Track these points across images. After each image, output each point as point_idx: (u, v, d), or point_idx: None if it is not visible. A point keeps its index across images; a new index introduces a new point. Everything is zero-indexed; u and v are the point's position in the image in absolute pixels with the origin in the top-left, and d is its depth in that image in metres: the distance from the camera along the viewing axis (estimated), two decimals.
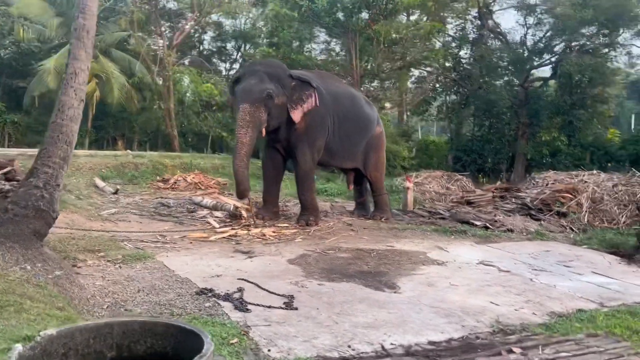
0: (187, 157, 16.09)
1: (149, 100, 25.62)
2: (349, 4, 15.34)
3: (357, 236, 7.48)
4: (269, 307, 4.16)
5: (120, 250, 5.84)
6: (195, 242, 6.68)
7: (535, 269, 5.76)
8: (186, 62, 28.94)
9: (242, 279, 4.91)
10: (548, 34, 24.79)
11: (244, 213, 7.82)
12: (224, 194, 11.22)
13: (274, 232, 7.44)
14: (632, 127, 30.03)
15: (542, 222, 8.44)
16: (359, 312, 4.14)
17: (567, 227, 8.40)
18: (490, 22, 25.64)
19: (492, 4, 24.59)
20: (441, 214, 9.14)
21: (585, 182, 9.96)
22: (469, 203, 9.89)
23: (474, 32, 25.36)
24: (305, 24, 18.84)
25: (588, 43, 22.16)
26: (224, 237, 6.99)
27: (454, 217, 8.59)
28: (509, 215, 8.71)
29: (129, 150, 20.16)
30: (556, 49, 24.00)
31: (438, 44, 21.09)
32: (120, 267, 5.21)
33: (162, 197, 10.64)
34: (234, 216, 8.00)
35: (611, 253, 6.73)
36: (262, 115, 7.26)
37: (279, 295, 4.47)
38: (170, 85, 24.52)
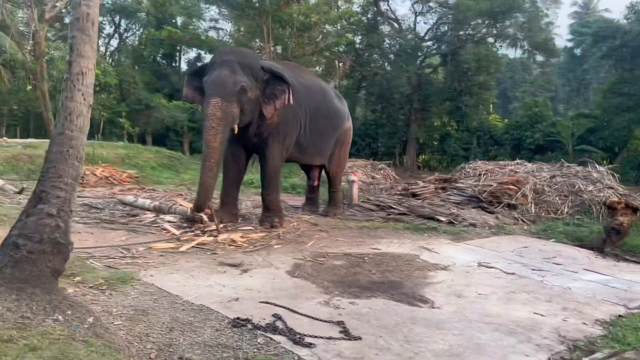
0: (87, 146, 14.45)
1: (21, 80, 22.93)
2: None
3: (331, 238, 7.12)
4: (329, 338, 3.70)
5: (95, 272, 4.96)
6: (166, 255, 5.92)
7: (534, 269, 5.81)
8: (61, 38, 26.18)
9: (266, 302, 4.38)
10: (439, 22, 25.90)
11: (205, 218, 7.09)
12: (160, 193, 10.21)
13: (241, 237, 6.84)
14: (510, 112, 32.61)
15: (497, 215, 8.67)
16: (424, 336, 3.81)
17: (519, 219, 8.71)
18: (384, 7, 26.20)
19: None
20: (393, 207, 9.04)
21: (516, 172, 10.42)
22: (414, 195, 9.91)
23: (368, 18, 25.65)
24: (212, 3, 17.84)
25: (478, 34, 23.40)
26: (193, 247, 6.30)
27: (415, 212, 8.52)
28: (462, 209, 8.83)
29: (5, 137, 17.91)
30: (446, 37, 25.07)
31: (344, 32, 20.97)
32: (111, 294, 4.40)
33: (79, 197, 9.43)
34: (190, 220, 7.25)
35: (580, 246, 7.04)
36: (235, 111, 6.54)
37: (324, 321, 4.01)
38: (44, 63, 22.13)
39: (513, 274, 5.61)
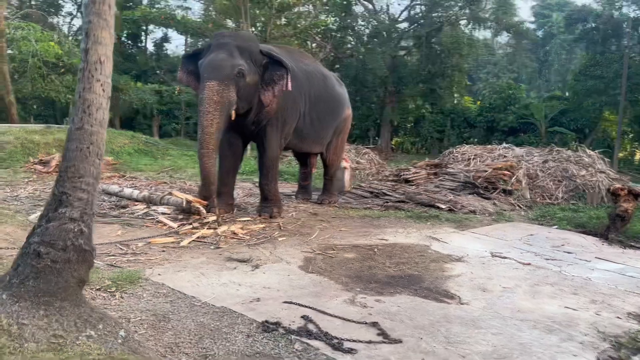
0: (58, 131, 13.82)
1: None
2: None
3: (334, 228, 6.90)
4: (369, 342, 3.49)
5: (98, 272, 4.62)
6: (167, 250, 5.62)
7: (548, 259, 5.73)
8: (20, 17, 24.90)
9: (290, 302, 4.15)
10: (413, 3, 25.70)
11: (202, 209, 6.77)
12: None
13: (241, 228, 6.57)
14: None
15: (494, 201, 8.60)
16: (465, 337, 3.65)
17: (516, 205, 8.66)
18: None
19: None
20: (388, 194, 8.87)
21: (505, 156, 10.38)
22: (407, 181, 9.76)
23: None
24: None
25: (453, 16, 23.30)
26: (194, 240, 6.01)
27: (413, 200, 8.37)
28: (459, 195, 8.73)
29: None
30: (420, 19, 24.91)
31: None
32: (122, 297, 4.10)
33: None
34: (186, 212, 6.92)
35: (584, 233, 7.02)
36: (232, 96, 6.20)
37: (357, 322, 3.81)
38: (3, 42, 21.00)
39: (529, 264, 5.51)
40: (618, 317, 4.13)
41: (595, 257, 5.89)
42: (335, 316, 3.90)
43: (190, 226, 6.46)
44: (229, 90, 6.15)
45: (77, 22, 30.06)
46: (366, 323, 3.80)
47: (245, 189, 9.67)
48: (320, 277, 4.91)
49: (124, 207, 7.38)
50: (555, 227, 7.48)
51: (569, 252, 6.06)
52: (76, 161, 2.98)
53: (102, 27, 3.07)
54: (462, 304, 4.35)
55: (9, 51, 20.32)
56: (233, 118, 6.37)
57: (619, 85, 20.06)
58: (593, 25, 21.71)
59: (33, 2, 26.52)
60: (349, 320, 3.84)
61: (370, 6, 26.22)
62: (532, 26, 36.07)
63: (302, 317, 3.85)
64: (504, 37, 26.90)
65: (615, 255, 6.05)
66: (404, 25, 25.82)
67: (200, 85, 6.25)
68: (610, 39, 21.62)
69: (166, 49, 29.24)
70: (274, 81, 6.52)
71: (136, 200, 7.70)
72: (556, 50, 37.52)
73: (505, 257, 5.69)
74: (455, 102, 25.74)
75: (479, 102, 26.98)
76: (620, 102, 19.86)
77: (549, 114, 22.07)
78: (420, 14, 25.34)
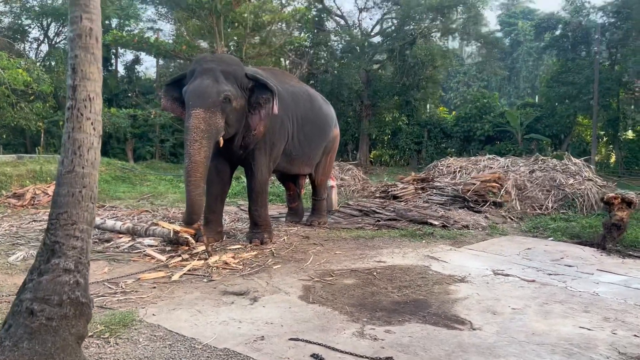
0: (30, 162, 13.38)
1: None
2: None
3: (328, 252, 6.70)
4: None
5: None
6: (158, 286, 5.34)
7: (550, 274, 5.63)
8: None
9: (296, 339, 3.93)
10: (384, 17, 25.83)
11: (190, 240, 6.52)
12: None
13: (233, 257, 6.34)
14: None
15: (486, 215, 8.51)
16: None
17: (507, 217, 8.58)
18: (329, 4, 25.88)
19: None
20: (378, 212, 8.72)
21: (491, 167, 10.34)
22: (395, 197, 9.63)
23: (313, 15, 25.18)
24: (150, 3, 16.97)
25: (425, 28, 23.46)
26: (185, 274, 5.74)
27: (405, 217, 8.22)
28: (449, 209, 8.62)
29: None
30: (393, 33, 25.00)
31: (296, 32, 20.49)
32: (117, 344, 3.82)
33: (35, 220, 8.61)
34: (173, 243, 6.66)
35: (580, 244, 6.95)
36: (219, 122, 5.99)
37: (371, 359, 3.61)
38: None
39: (533, 281, 5.39)
40: (635, 336, 4.02)
41: (597, 270, 5.80)
42: (347, 352, 3.70)
43: (180, 258, 6.21)
44: (216, 117, 5.95)
45: (44, 48, 29.51)
46: (380, 359, 3.61)
47: (231, 213, 9.42)
48: (323, 308, 4.70)
49: (107, 240, 7.07)
50: (551, 238, 7.41)
51: (569, 266, 5.96)
52: (68, 207, 2.75)
53: (89, 61, 2.86)
54: (474, 329, 4.18)
55: None
56: (221, 145, 6.17)
57: (591, 91, 20.37)
58: (562, 32, 22.05)
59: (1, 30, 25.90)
60: (362, 356, 3.64)
61: (342, 22, 26.29)
62: (499, 34, 36.64)
63: (311, 355, 3.64)
64: (472, 46, 27.18)
65: (616, 266, 5.97)
66: (377, 39, 25.91)
67: (186, 112, 6.03)
68: (580, 45, 22.00)
69: (138, 71, 28.84)
70: (261, 104, 6.34)
71: (120, 233, 7.41)
72: (524, 57, 38.21)
73: (508, 275, 5.56)
74: (431, 113, 25.84)
75: (454, 112, 27.16)
76: (594, 107, 20.16)
77: (524, 122, 22.29)
78: (393, 28, 25.46)
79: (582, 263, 6.08)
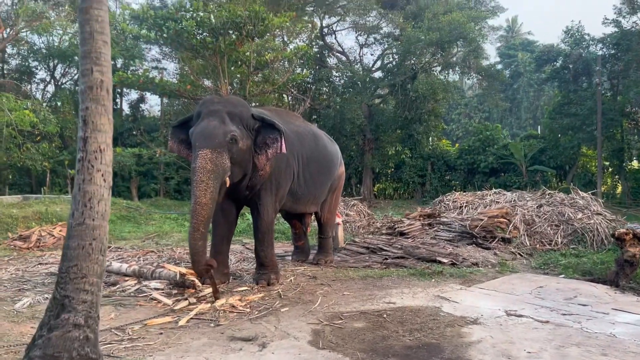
0: (36, 203, 13.38)
1: None
2: (218, 24, 14.17)
3: (336, 292, 6.60)
4: None
5: None
6: (165, 332, 5.25)
7: (565, 314, 5.51)
8: None
9: None
10: (385, 53, 26.15)
11: (197, 282, 6.44)
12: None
13: (240, 300, 6.24)
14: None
15: (494, 251, 8.41)
16: None
17: (516, 254, 8.48)
18: (330, 40, 26.24)
19: (335, 24, 25.16)
20: (385, 249, 8.63)
21: (497, 202, 10.27)
22: (402, 234, 9.55)
23: (315, 51, 25.49)
24: (155, 43, 17.24)
25: (427, 63, 23.69)
26: (192, 318, 5.65)
27: (412, 255, 8.13)
28: (457, 246, 8.53)
29: None
30: (394, 68, 25.25)
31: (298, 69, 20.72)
32: None
33: (41, 263, 8.54)
34: (180, 285, 6.57)
35: (592, 281, 6.83)
36: (226, 163, 6.00)
37: None
38: None
39: (548, 322, 5.27)
40: None
41: (612, 309, 5.68)
42: None
43: (187, 302, 6.12)
44: (222, 157, 5.96)
45: (51, 89, 29.87)
46: None
47: (237, 252, 9.35)
48: (334, 354, 4.59)
49: (113, 284, 7.00)
50: (562, 276, 7.29)
51: (583, 305, 5.84)
52: (78, 260, 2.71)
53: (100, 113, 2.87)
54: None
55: None
56: (227, 185, 6.15)
57: (594, 122, 20.41)
58: (563, 64, 22.24)
59: (5, 72, 26.27)
60: None
61: (343, 58, 26.60)
62: (499, 66, 37.06)
63: None
64: (472, 78, 27.41)
65: (632, 305, 5.85)
66: (379, 74, 26.17)
67: (192, 154, 6.04)
68: (581, 77, 22.15)
69: (142, 110, 29.12)
70: (267, 144, 6.35)
71: (126, 275, 7.34)
72: (524, 88, 38.56)
73: (521, 315, 5.45)
74: (434, 145, 25.90)
75: (457, 145, 27.23)
76: (598, 138, 20.16)
77: (528, 153, 22.30)
78: (394, 63, 25.74)
79: (596, 302, 5.96)
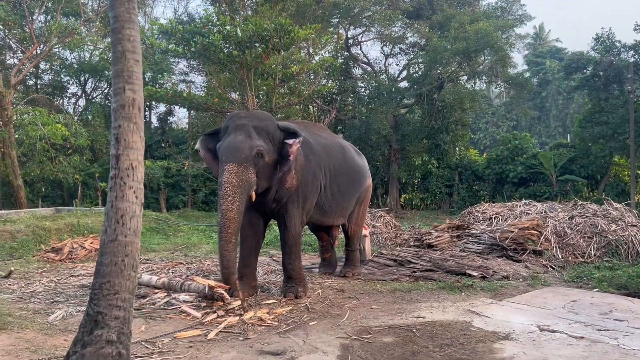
0: (68, 215, 13.64)
1: None
2: (245, 38, 14.32)
3: (365, 306, 6.56)
4: None
5: None
6: (195, 344, 5.27)
7: (600, 329, 5.36)
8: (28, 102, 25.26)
9: None
10: (410, 63, 26.08)
11: (225, 295, 6.46)
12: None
13: (268, 313, 6.25)
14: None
15: (526, 264, 8.26)
16: None
17: (548, 266, 8.31)
18: (356, 51, 26.28)
19: (361, 35, 25.21)
20: (413, 262, 8.54)
21: (528, 213, 10.10)
22: (430, 246, 9.45)
23: (340, 62, 25.52)
24: (183, 57, 17.51)
25: (453, 73, 23.54)
26: (221, 331, 5.67)
27: (442, 268, 8.03)
28: (487, 259, 8.40)
29: None
30: (420, 78, 25.12)
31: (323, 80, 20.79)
32: None
33: (73, 275, 8.68)
34: (209, 298, 6.61)
35: (628, 295, 6.65)
36: (252, 177, 6.06)
37: None
38: (11, 128, 21.15)
39: (582, 337, 5.13)
40: None
41: None
42: None
43: (215, 314, 6.15)
44: (248, 172, 6.02)
45: (82, 102, 30.51)
46: None
47: (264, 265, 9.36)
48: None
49: (143, 296, 7.08)
50: (597, 289, 7.11)
51: (619, 320, 5.68)
52: (111, 277, 2.75)
53: (132, 131, 2.91)
54: None
55: (16, 136, 20.48)
56: (253, 199, 6.19)
57: (627, 130, 19.97)
58: (593, 72, 21.84)
59: (39, 87, 26.95)
60: None
61: (369, 68, 26.59)
62: (527, 74, 36.64)
63: None
64: (500, 87, 27.12)
65: None
66: (404, 84, 26.08)
67: (219, 168, 6.11)
68: (612, 84, 21.71)
69: (170, 122, 29.54)
70: (289, 153, 6.37)
71: (155, 287, 7.41)
72: (553, 96, 37.99)
73: (554, 331, 5.32)
74: (461, 155, 25.63)
75: (484, 154, 26.90)
76: (631, 147, 19.70)
77: (558, 163, 21.91)
78: (420, 73, 25.63)
79: (632, 317, 5.79)
